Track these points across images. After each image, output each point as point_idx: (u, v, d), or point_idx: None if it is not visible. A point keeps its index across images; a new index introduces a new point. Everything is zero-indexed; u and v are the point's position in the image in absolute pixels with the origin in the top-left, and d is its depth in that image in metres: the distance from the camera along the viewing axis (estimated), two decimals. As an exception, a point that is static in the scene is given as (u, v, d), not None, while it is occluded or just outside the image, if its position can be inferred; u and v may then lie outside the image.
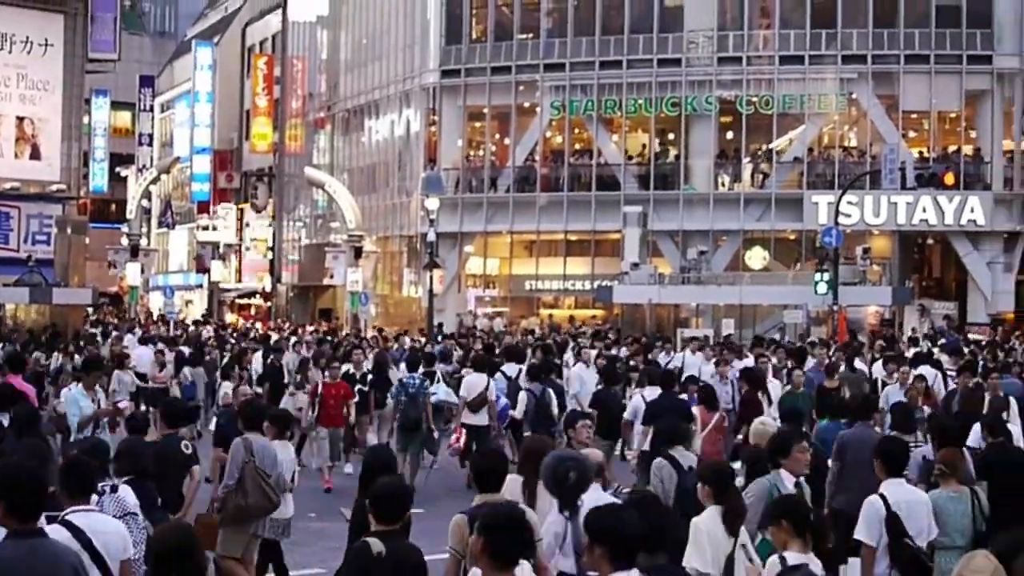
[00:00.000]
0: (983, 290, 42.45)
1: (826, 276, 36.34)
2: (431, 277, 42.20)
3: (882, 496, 8.27)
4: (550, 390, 17.37)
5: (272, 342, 30.95)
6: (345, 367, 20.87)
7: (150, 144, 72.77)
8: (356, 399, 19.84)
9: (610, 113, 45.98)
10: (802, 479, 8.96)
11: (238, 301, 66.12)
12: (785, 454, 8.87)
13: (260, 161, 64.05)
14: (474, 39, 48.67)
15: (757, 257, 43.99)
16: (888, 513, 8.13)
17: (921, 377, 17.98)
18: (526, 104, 47.66)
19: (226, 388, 19.39)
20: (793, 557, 6.85)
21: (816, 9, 43.99)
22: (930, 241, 46.45)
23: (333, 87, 57.84)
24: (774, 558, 6.97)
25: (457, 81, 48.03)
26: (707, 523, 7.52)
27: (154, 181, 61.96)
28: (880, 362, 21.58)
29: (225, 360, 25.34)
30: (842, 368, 19.58)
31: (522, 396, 17.28)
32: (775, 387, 17.75)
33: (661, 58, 44.64)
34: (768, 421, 11.53)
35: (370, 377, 21.22)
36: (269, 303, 63.28)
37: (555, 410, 17.06)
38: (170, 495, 10.35)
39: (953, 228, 42.42)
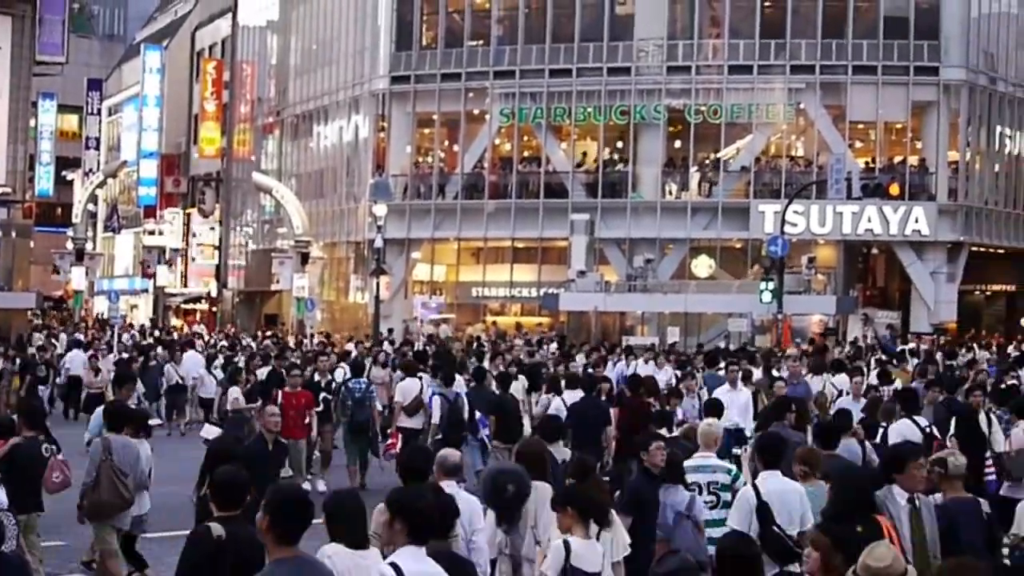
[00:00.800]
0: (926, 300, 42.72)
1: (771, 285, 36.43)
2: (378, 283, 42.04)
3: (755, 487, 8.78)
4: (463, 395, 17.16)
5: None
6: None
7: (97, 148, 72.13)
8: (320, 408, 18.47)
9: (559, 121, 45.96)
10: (919, 495, 8.42)
11: (183, 306, 65.58)
12: (900, 470, 8.43)
13: (208, 166, 63.55)
14: (424, 45, 48.51)
15: (703, 265, 44.07)
16: (759, 503, 8.62)
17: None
18: (475, 111, 47.56)
19: (235, 394, 18.74)
20: (577, 543, 7.50)
21: (765, 19, 44.18)
22: (875, 251, 46.69)
23: (282, 92, 57.50)
24: (557, 542, 7.58)
25: (406, 87, 47.86)
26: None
27: (100, 185, 61.48)
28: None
29: (231, 367, 23.94)
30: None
31: (436, 401, 17.00)
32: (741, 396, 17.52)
33: (611, 66, 44.67)
34: (714, 421, 11.57)
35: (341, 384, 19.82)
36: (215, 308, 62.78)
37: (465, 415, 16.87)
38: (28, 495, 11.00)
39: (897, 238, 42.68)
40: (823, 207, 42.03)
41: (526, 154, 47.67)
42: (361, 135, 49.82)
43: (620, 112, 44.65)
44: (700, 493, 9.82)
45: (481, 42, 47.63)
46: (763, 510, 8.62)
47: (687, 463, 10.00)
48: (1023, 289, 49.11)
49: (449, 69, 47.02)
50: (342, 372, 21.65)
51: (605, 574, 7.61)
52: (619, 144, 46.52)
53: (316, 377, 19.79)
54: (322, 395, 18.94)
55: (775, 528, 8.54)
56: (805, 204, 41.63)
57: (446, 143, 49.57)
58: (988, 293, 51.30)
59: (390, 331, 40.87)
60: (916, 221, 42.20)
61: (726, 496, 9.86)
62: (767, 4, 44.57)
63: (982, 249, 45.79)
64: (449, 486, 8.11)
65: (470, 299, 48.01)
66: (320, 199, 52.89)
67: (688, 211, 44.03)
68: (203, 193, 62.55)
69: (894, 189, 39.62)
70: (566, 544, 7.47)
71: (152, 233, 65.50)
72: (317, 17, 54.20)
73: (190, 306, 65.37)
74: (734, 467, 10.80)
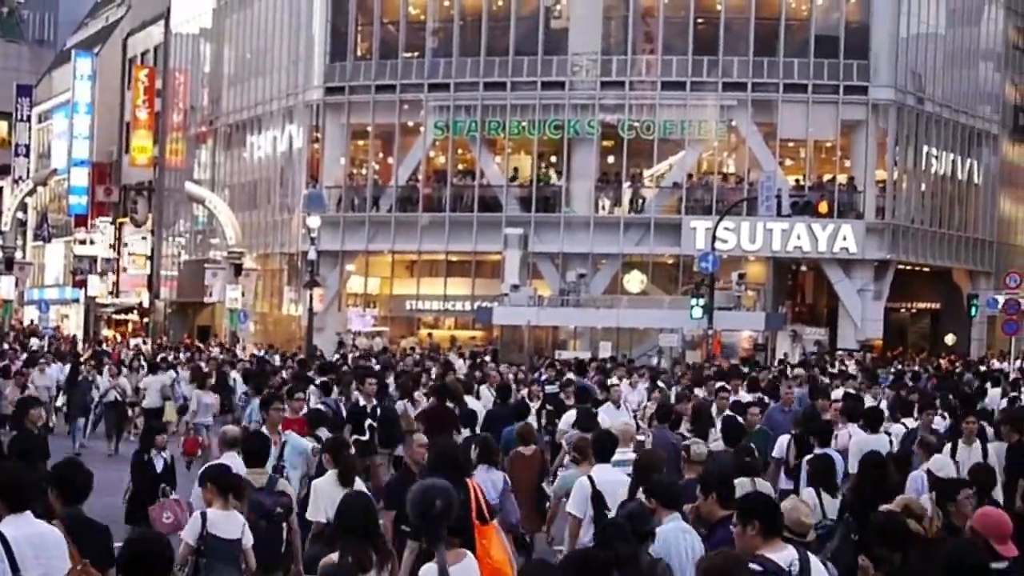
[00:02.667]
0: (853, 317, 43.33)
1: (702, 301, 36.77)
2: (311, 295, 41.84)
3: (590, 478, 9.92)
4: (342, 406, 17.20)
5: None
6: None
7: (27, 155, 71.32)
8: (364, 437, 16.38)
9: (494, 134, 46.06)
10: None
11: (115, 317, 64.92)
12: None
13: (140, 175, 63.03)
14: (359, 56, 48.42)
15: (635, 281, 44.33)
16: (593, 491, 9.76)
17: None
18: (410, 123, 47.56)
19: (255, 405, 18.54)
20: (213, 513, 8.83)
21: (698, 36, 44.57)
22: (803, 268, 47.29)
23: (215, 101, 57.15)
24: (196, 513, 9.02)
25: (341, 98, 47.76)
26: (323, 483, 9.70)
27: (30, 193, 60.70)
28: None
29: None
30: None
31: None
32: None
33: (545, 80, 44.85)
34: (630, 422, 13.06)
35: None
36: (147, 319, 62.22)
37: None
38: None
39: (826, 256, 43.23)
40: (753, 224, 42.48)
41: (460, 167, 47.72)
42: (295, 146, 49.64)
43: (554, 126, 44.84)
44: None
45: (416, 54, 47.60)
46: (597, 498, 9.75)
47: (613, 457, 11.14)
48: (948, 307, 49.96)
49: (384, 81, 46.97)
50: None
51: (244, 541, 8.84)
52: (553, 158, 46.69)
53: (361, 401, 17.08)
54: (367, 422, 16.51)
55: (607, 513, 9.48)
56: (736, 221, 42.05)
57: (380, 155, 49.50)
58: (914, 311, 52.19)
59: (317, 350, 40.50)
60: (844, 239, 42.79)
61: None
62: (700, 21, 44.95)
63: (908, 267, 46.57)
64: (229, 457, 10.27)
65: (404, 312, 47.96)
66: (253, 210, 52.61)
67: (621, 226, 44.30)
68: (135, 202, 62.02)
69: (823, 207, 40.09)
70: (203, 515, 8.83)
71: (83, 242, 64.82)
72: (251, 26, 53.90)
73: (122, 316, 64.72)
74: None
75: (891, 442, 13.60)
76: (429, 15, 47.65)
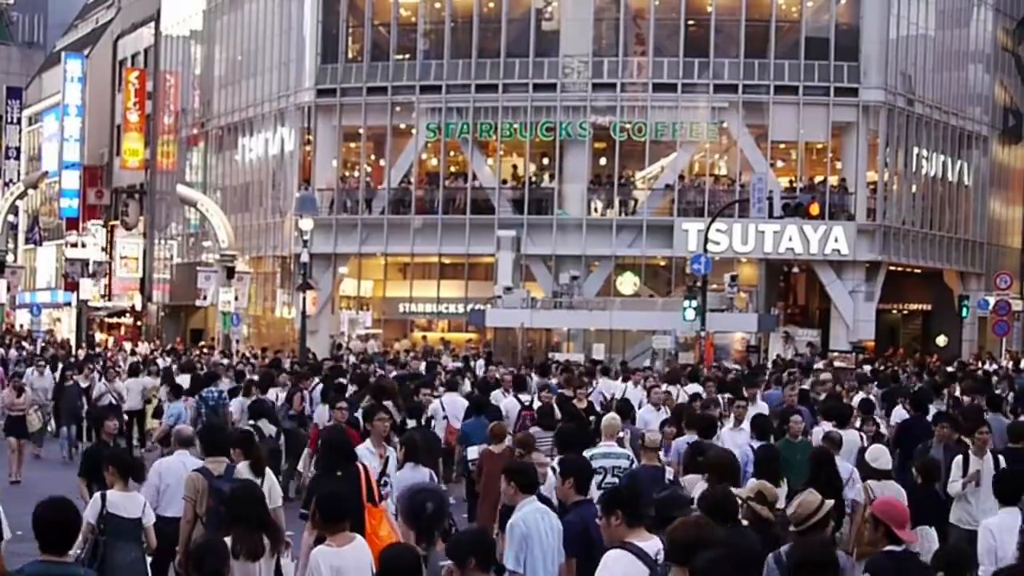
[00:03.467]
0: (845, 318, 43.45)
1: (694, 303, 36.84)
2: (304, 298, 41.73)
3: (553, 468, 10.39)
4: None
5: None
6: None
7: (17, 158, 71.20)
8: None
9: (486, 136, 46.09)
10: None
11: (107, 320, 64.83)
12: None
13: (131, 177, 62.96)
14: (350, 58, 48.43)
15: (628, 283, 44.44)
16: None
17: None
18: (402, 125, 47.58)
19: (322, 411, 18.26)
20: (113, 495, 9.66)
21: (689, 38, 44.66)
22: (795, 269, 47.41)
23: (207, 103, 57.11)
24: (96, 495, 9.78)
25: (332, 101, 47.74)
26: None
27: (21, 196, 60.46)
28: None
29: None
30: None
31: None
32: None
33: (537, 83, 44.91)
34: (615, 416, 13.11)
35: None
36: (139, 322, 62.17)
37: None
38: None
39: (817, 257, 43.35)
40: (745, 226, 42.58)
41: (453, 169, 47.76)
42: (287, 148, 49.63)
43: (546, 128, 44.88)
44: (606, 476, 11.32)
45: (407, 56, 47.59)
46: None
47: (595, 451, 11.79)
48: (939, 308, 50.09)
49: (375, 83, 46.97)
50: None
51: (145, 520, 9.64)
52: (545, 160, 46.77)
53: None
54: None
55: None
56: (728, 223, 42.15)
57: (372, 157, 49.52)
58: (905, 312, 52.31)
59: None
60: (835, 240, 42.91)
61: None
62: (691, 23, 45.04)
63: (899, 269, 46.72)
64: (181, 454, 11.25)
65: (397, 315, 47.99)
66: (245, 213, 52.60)
67: (613, 228, 44.38)
68: (126, 205, 61.90)
69: (814, 209, 40.14)
70: (103, 495, 9.58)
71: (75, 245, 64.59)
72: (241, 28, 53.88)
73: (114, 320, 64.65)
74: (631, 454, 12.30)
75: (862, 438, 14.48)
76: (420, 17, 47.68)
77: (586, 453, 11.95)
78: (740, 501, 8.07)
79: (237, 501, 8.24)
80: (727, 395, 18.59)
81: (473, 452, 13.54)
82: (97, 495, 9.66)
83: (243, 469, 10.50)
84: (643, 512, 7.30)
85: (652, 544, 7.03)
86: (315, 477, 10.22)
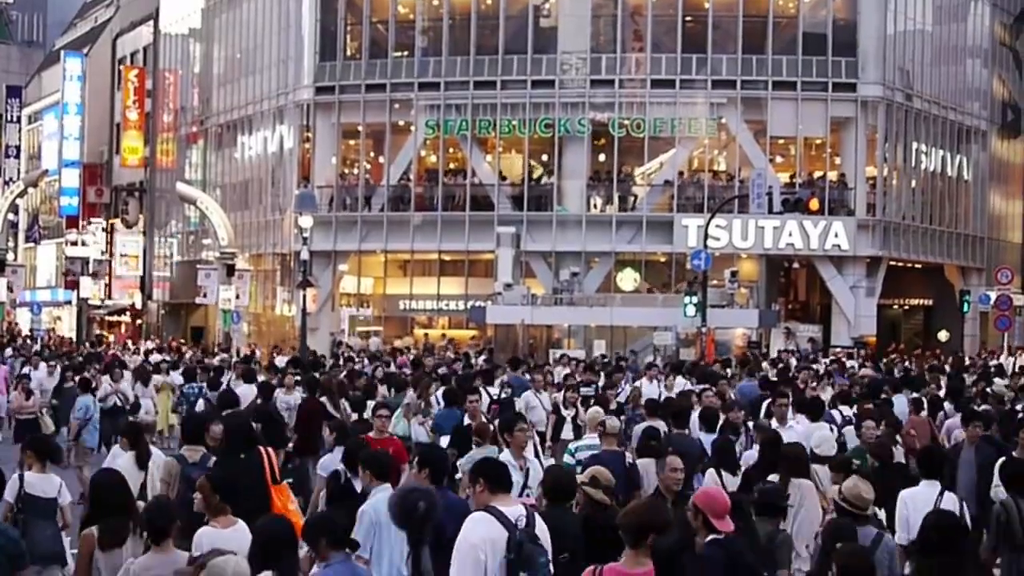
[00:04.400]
0: (846, 314, 43.48)
1: (695, 298, 36.88)
2: (304, 296, 41.78)
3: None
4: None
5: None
6: None
7: (17, 156, 71.26)
8: None
9: (484, 133, 46.09)
10: None
11: (108, 318, 64.88)
12: None
13: (131, 176, 63.00)
14: (348, 56, 48.44)
15: (628, 279, 44.45)
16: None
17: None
18: (400, 122, 47.60)
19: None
20: (31, 476, 10.27)
21: (687, 34, 44.68)
22: (796, 265, 47.41)
23: (206, 101, 57.13)
24: (14, 475, 10.20)
25: (331, 98, 47.76)
26: (123, 464, 10.95)
27: (21, 194, 60.52)
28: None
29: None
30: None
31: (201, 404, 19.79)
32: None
33: (535, 79, 44.92)
34: (599, 409, 13.74)
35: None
36: (140, 320, 62.22)
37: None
38: None
39: (818, 252, 43.38)
40: (745, 221, 42.61)
41: (452, 166, 47.79)
42: (286, 146, 49.65)
43: (545, 125, 44.89)
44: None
45: (406, 53, 47.60)
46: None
47: (579, 443, 12.87)
48: (940, 303, 50.11)
49: (374, 80, 46.98)
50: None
51: (60, 500, 10.28)
52: (544, 157, 46.76)
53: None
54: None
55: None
56: (727, 218, 42.19)
57: (371, 154, 49.52)
58: (906, 307, 52.32)
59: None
60: (836, 236, 42.93)
61: None
62: (688, 19, 45.06)
63: (900, 264, 46.76)
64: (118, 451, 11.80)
65: (398, 312, 48.00)
66: (245, 210, 52.63)
67: (613, 224, 44.40)
68: (126, 203, 61.99)
69: (814, 204, 40.21)
70: (20, 477, 10.19)
71: (75, 244, 64.76)
72: (240, 26, 53.88)
73: (115, 318, 64.70)
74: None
75: (832, 429, 14.58)
76: (418, 14, 47.68)
77: (571, 445, 12.97)
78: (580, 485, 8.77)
79: (99, 488, 8.73)
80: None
81: (446, 442, 13.84)
82: (15, 476, 10.25)
83: (127, 460, 11.21)
84: (507, 482, 7.78)
85: (514, 510, 7.42)
86: (217, 460, 10.64)
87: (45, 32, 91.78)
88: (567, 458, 12.56)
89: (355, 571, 7.38)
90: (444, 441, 13.98)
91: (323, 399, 17.66)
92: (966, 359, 36.31)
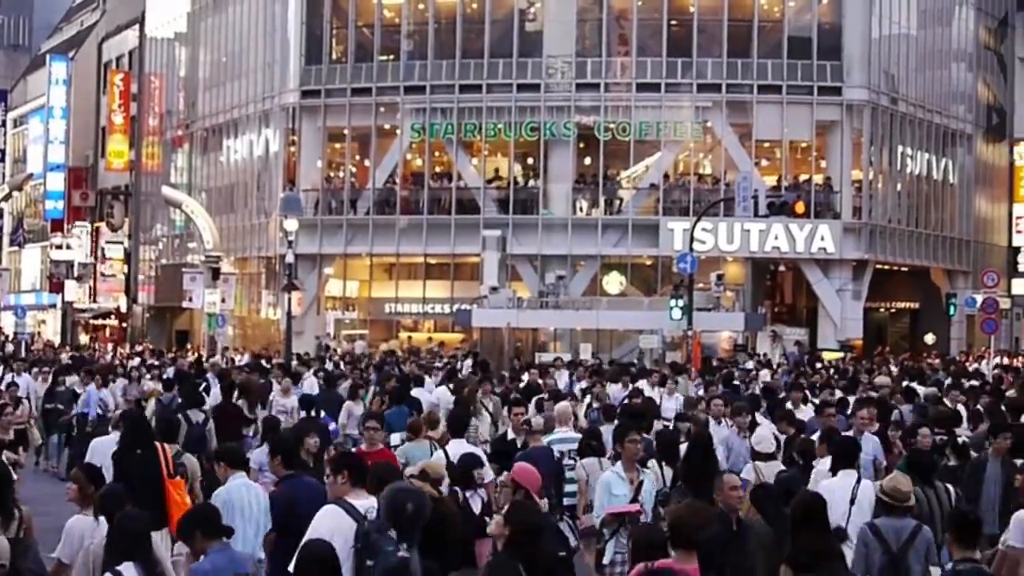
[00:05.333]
0: (833, 317, 43.51)
1: (681, 302, 36.82)
2: (289, 299, 41.60)
3: (445, 452, 11.99)
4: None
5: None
6: None
7: (2, 160, 71.13)
8: None
9: (470, 137, 46.04)
10: None
11: (93, 322, 64.67)
12: None
13: (116, 179, 62.84)
14: (334, 59, 48.36)
15: (614, 282, 44.43)
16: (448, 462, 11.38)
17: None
18: (386, 126, 47.54)
19: (351, 408, 18.52)
20: None
21: (672, 38, 44.71)
22: (782, 268, 47.44)
23: (191, 105, 56.99)
24: None
25: (317, 102, 47.69)
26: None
27: (6, 198, 60.47)
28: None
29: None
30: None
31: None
32: None
33: (520, 83, 44.89)
34: (567, 404, 14.66)
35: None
36: (125, 324, 62.02)
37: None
38: None
39: (804, 256, 43.40)
40: (731, 224, 42.61)
41: (437, 170, 47.73)
42: (271, 149, 49.55)
43: (530, 128, 44.86)
44: (564, 459, 12.53)
45: (391, 57, 47.56)
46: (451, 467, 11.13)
47: (552, 436, 13.03)
48: (927, 306, 50.19)
49: (359, 84, 46.91)
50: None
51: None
52: (530, 160, 46.74)
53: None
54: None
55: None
56: (713, 221, 42.18)
57: (357, 158, 49.47)
58: (893, 310, 52.40)
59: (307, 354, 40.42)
60: (822, 239, 42.96)
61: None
62: (673, 23, 45.08)
63: (886, 267, 46.81)
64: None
65: (383, 315, 47.93)
66: (231, 214, 52.49)
67: (599, 228, 44.38)
68: (111, 207, 61.85)
69: (800, 207, 40.25)
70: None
71: (59, 247, 64.55)
72: (226, 30, 53.77)
73: (100, 322, 64.48)
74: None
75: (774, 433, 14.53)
76: (403, 18, 47.67)
77: (544, 439, 13.04)
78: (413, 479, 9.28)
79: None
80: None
81: (396, 439, 13.92)
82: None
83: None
84: (383, 476, 8.23)
85: (366, 503, 7.89)
86: (115, 455, 11.18)
87: (31, 36, 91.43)
88: None
89: (232, 557, 7.63)
90: (395, 438, 13.93)
91: (240, 401, 17.74)
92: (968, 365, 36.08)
